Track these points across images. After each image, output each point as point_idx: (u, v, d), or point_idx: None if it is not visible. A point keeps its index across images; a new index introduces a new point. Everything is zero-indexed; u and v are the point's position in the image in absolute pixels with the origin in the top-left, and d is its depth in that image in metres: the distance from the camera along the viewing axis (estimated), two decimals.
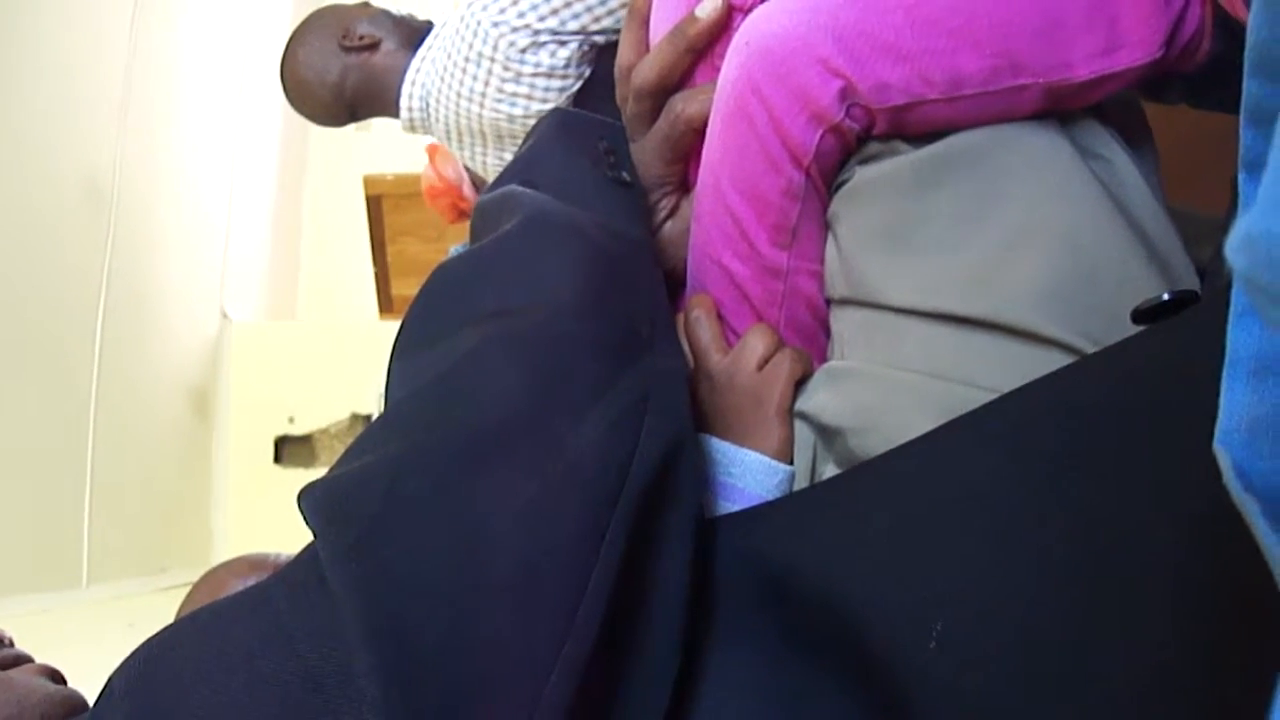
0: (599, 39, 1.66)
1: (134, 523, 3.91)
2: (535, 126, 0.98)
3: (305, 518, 0.65)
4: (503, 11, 1.61)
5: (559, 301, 0.72)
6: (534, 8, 1.60)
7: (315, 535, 0.63)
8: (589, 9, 1.61)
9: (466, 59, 1.68)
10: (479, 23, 1.63)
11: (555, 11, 1.60)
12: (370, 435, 0.70)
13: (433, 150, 2.85)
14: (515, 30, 1.61)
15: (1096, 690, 0.56)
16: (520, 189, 0.85)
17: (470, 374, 0.68)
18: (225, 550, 4.37)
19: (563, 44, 1.64)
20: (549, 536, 0.62)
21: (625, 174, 0.94)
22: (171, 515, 4.35)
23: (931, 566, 0.65)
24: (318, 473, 0.79)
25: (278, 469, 4.68)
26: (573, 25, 1.62)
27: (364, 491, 0.63)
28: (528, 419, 0.66)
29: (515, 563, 0.60)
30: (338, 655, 0.57)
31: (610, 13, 1.62)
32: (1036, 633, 0.59)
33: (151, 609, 3.03)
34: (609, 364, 0.71)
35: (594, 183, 0.91)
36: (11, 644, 0.90)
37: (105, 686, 0.62)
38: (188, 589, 1.30)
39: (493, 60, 1.66)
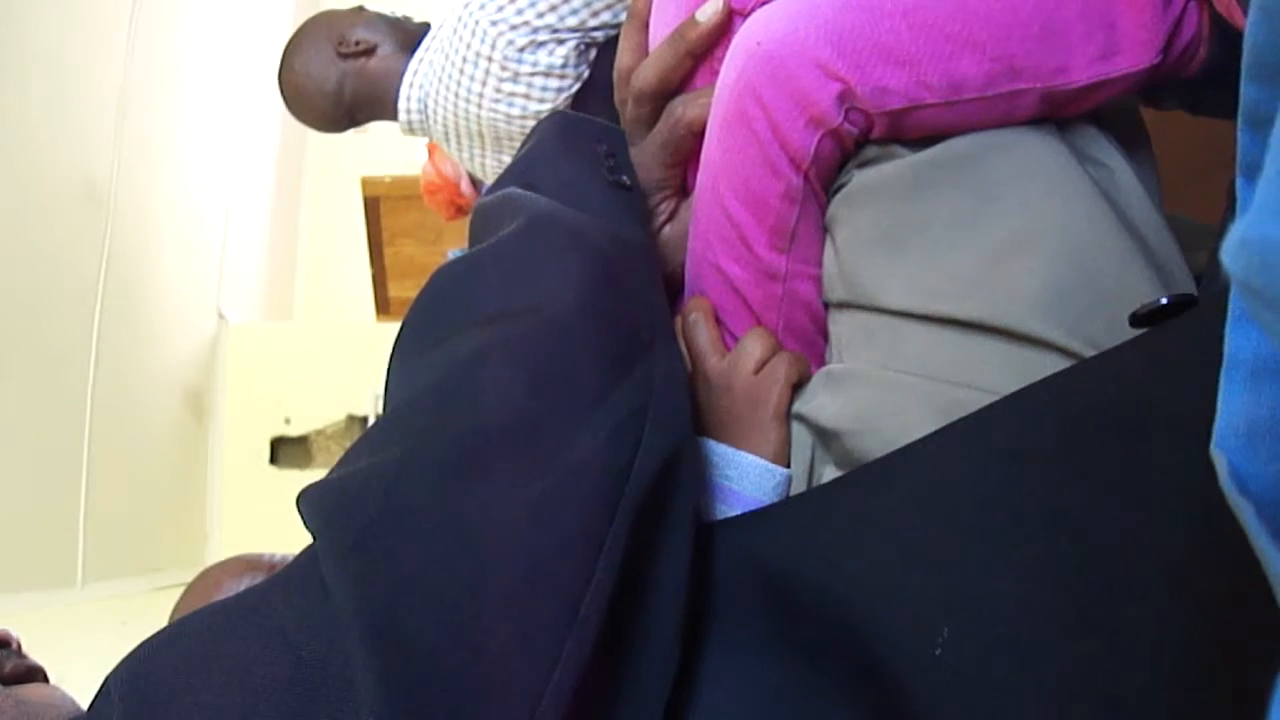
0: (597, 35, 1.67)
1: (129, 522, 3.91)
2: (535, 129, 0.98)
3: (304, 519, 0.65)
4: (500, 10, 1.62)
5: (559, 305, 0.71)
6: (532, 4, 1.61)
7: (314, 537, 0.63)
8: (587, 4, 1.61)
9: (464, 59, 1.68)
10: (476, 22, 1.64)
11: (554, 7, 1.61)
12: (370, 438, 0.70)
13: (433, 146, 2.85)
14: (514, 28, 1.62)
15: (1101, 696, 0.56)
16: (520, 191, 0.85)
17: (470, 378, 0.68)
18: (220, 550, 4.37)
19: (560, 42, 1.65)
20: (548, 541, 0.62)
21: (625, 177, 0.94)
22: (167, 515, 4.35)
23: (934, 571, 0.64)
24: (313, 474, 0.79)
25: (273, 470, 4.68)
26: (571, 21, 1.63)
27: (363, 494, 0.63)
28: (528, 423, 0.66)
29: (515, 566, 0.60)
30: (336, 658, 0.57)
31: (608, 7, 1.63)
32: (1039, 638, 0.59)
33: (146, 608, 3.03)
34: (610, 368, 0.70)
35: (594, 186, 0.90)
36: (19, 648, 0.90)
37: (101, 687, 0.62)
38: (182, 589, 1.29)
39: (490, 60, 1.66)
